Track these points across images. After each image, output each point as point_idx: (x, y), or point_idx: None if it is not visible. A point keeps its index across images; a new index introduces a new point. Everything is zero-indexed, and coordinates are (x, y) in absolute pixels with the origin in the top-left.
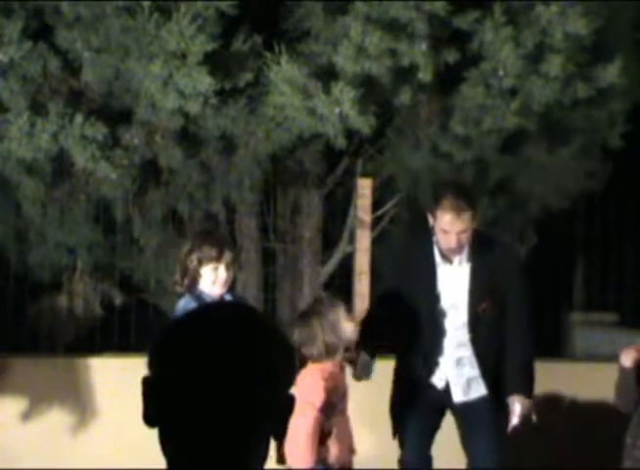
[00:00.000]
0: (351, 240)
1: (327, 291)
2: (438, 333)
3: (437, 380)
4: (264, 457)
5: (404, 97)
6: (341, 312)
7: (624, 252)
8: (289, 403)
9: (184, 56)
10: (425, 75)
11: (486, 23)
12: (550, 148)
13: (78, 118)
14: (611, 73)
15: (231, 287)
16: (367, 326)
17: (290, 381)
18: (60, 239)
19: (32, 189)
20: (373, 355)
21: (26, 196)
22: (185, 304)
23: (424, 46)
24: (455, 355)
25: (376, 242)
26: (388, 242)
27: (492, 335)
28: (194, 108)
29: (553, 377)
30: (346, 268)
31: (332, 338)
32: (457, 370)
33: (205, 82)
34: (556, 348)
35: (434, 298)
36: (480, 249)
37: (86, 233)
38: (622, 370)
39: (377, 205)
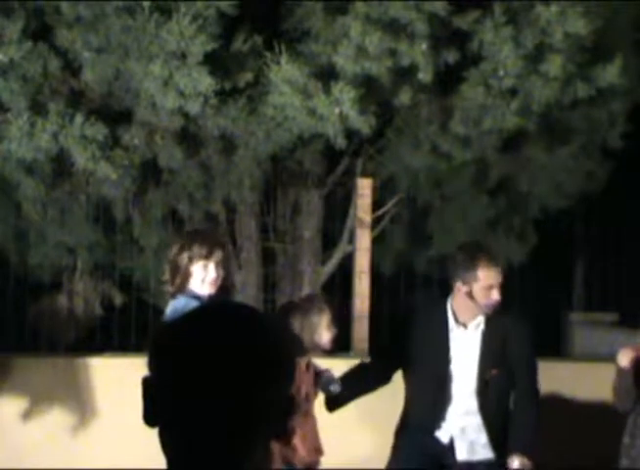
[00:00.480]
0: (351, 240)
1: (324, 294)
2: (445, 400)
3: (442, 436)
4: (264, 457)
5: (404, 97)
6: (325, 319)
7: (624, 251)
8: (288, 404)
9: (184, 56)
10: (425, 75)
11: (486, 23)
12: (550, 148)
13: (78, 118)
14: (611, 73)
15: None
16: (356, 373)
17: (289, 382)
18: (60, 239)
19: (32, 189)
20: (343, 389)
21: (26, 196)
22: (185, 303)
23: (424, 46)
24: (461, 424)
25: (376, 242)
26: (388, 242)
27: (500, 402)
28: (194, 108)
29: (553, 377)
30: (346, 268)
31: (307, 340)
32: (461, 435)
33: (206, 82)
34: (556, 347)
35: (446, 362)
36: (492, 315)
37: (86, 233)
38: (620, 370)
39: (377, 205)
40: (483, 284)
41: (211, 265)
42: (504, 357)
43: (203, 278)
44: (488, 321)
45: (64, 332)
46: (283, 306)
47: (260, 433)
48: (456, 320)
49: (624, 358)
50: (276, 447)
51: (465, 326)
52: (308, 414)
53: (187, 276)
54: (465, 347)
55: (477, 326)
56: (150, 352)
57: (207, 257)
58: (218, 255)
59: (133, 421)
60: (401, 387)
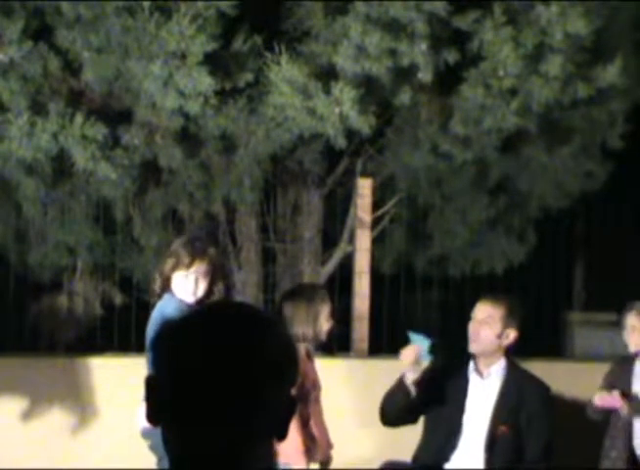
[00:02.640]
0: (351, 240)
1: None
2: (453, 449)
3: None
4: (266, 457)
5: (404, 97)
6: (326, 309)
7: (624, 252)
8: (290, 403)
9: (184, 56)
10: (425, 75)
11: (486, 23)
12: (550, 148)
13: (78, 118)
14: (611, 73)
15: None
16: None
17: (292, 381)
18: (60, 239)
19: (32, 189)
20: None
21: (26, 196)
22: (173, 305)
23: (424, 46)
24: None
25: (376, 242)
26: (388, 242)
27: (507, 464)
28: (194, 108)
29: (553, 377)
30: (346, 268)
31: (309, 326)
32: None
33: (206, 82)
34: (556, 347)
35: (459, 411)
36: (515, 374)
37: (86, 233)
38: (591, 405)
39: (377, 205)
40: (472, 316)
41: (191, 277)
42: (517, 421)
43: (182, 287)
44: (508, 377)
45: (64, 332)
46: (288, 292)
47: (262, 433)
48: (475, 366)
49: (599, 401)
50: (300, 441)
51: (481, 374)
52: (317, 402)
53: (167, 281)
54: (480, 397)
55: (489, 375)
56: (152, 350)
57: (188, 267)
58: (201, 267)
59: (133, 421)
60: None
